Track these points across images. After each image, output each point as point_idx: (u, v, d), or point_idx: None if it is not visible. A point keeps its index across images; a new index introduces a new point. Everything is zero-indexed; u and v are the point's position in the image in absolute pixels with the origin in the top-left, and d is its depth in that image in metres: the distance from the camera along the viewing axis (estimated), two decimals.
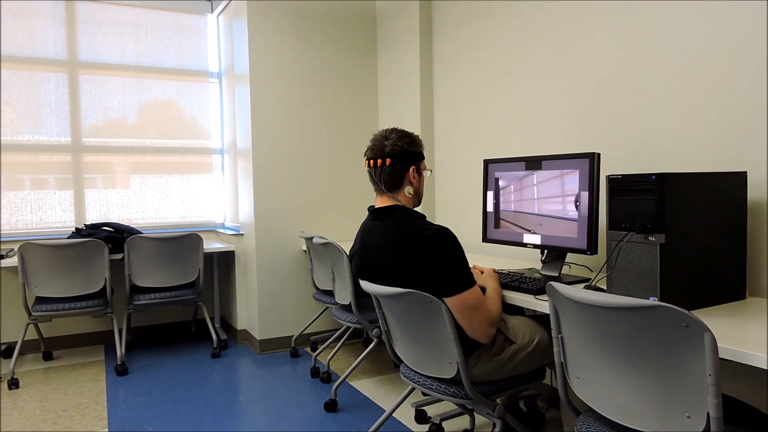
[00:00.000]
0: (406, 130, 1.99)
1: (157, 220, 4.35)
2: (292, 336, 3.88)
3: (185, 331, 4.42)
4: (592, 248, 2.02)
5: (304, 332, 3.95)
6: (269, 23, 3.78)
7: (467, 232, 3.37)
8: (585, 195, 2.04)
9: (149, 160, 4.32)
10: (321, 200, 4.00)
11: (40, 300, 3.40)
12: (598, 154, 2.02)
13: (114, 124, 4.20)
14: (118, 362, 3.45)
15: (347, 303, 2.87)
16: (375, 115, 4.18)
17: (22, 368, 3.59)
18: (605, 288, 1.75)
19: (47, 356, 3.80)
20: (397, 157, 1.92)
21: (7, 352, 3.81)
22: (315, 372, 3.38)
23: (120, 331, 3.69)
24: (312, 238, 3.26)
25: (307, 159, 3.94)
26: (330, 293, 3.27)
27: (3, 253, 3.47)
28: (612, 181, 1.69)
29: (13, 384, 3.23)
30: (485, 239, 2.53)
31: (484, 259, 2.98)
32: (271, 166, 3.82)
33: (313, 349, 3.88)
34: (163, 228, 4.35)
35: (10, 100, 3.89)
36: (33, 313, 3.34)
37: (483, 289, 1.91)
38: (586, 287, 1.77)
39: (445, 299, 1.74)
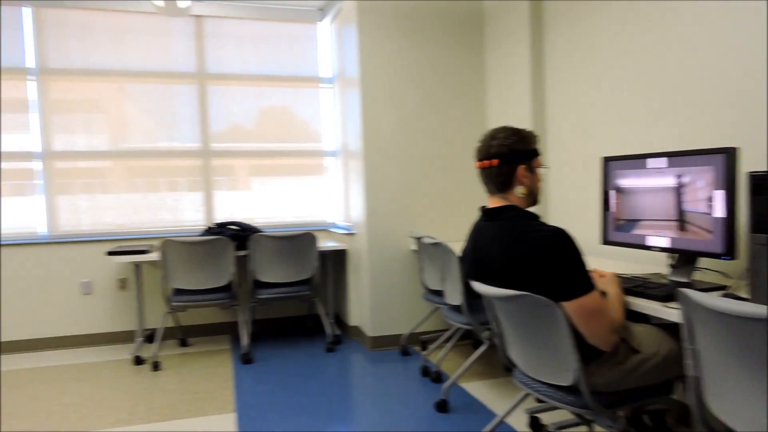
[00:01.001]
0: (516, 127, 1.92)
1: (276, 219, 4.63)
2: (402, 334, 3.95)
3: (302, 325, 4.66)
4: (730, 252, 1.85)
5: (414, 331, 4.00)
6: (378, 28, 3.86)
7: (583, 233, 3.23)
8: (720, 194, 1.87)
9: (267, 163, 4.60)
10: (430, 200, 4.02)
11: (177, 291, 3.76)
12: (737, 149, 1.84)
13: (236, 130, 4.52)
14: (244, 351, 3.71)
15: (457, 304, 2.87)
16: (484, 114, 4.13)
17: (162, 352, 3.99)
18: (746, 297, 1.60)
19: (183, 343, 4.19)
20: (505, 157, 1.86)
21: (150, 337, 4.25)
22: (425, 371, 3.41)
23: (245, 322, 3.97)
24: (422, 238, 3.29)
25: (416, 160, 3.98)
26: (440, 293, 3.28)
27: (147, 248, 3.88)
28: (756, 178, 1.54)
29: (155, 366, 3.60)
30: (605, 241, 2.41)
31: (602, 262, 2.83)
32: (381, 167, 3.91)
33: (423, 348, 3.91)
34: (281, 227, 4.62)
35: (148, 111, 4.33)
36: (171, 304, 3.70)
37: (603, 294, 1.82)
38: (724, 295, 1.63)
39: (563, 303, 1.69)
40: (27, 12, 4.05)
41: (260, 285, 3.94)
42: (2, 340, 4.07)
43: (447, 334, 3.66)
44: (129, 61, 4.27)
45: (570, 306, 1.68)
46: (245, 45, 4.50)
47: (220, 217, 4.50)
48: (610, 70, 2.95)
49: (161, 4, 3.79)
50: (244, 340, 3.79)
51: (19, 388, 3.34)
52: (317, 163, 4.72)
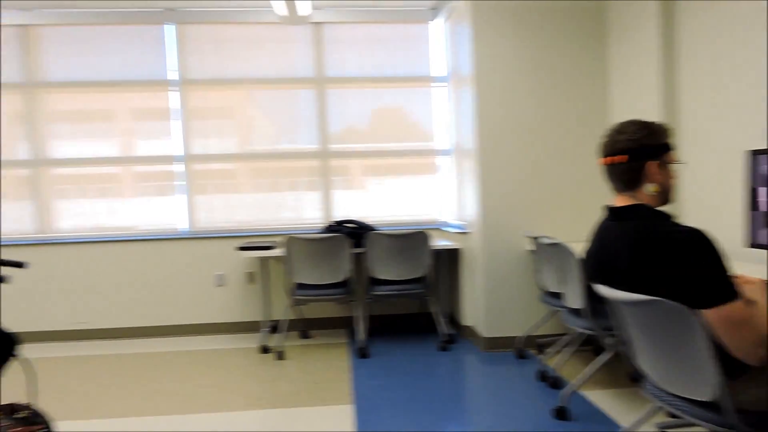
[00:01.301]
0: (646, 120, 1.78)
1: (390, 218, 4.72)
2: (518, 337, 3.85)
3: (415, 322, 4.71)
4: None
5: (530, 334, 3.88)
6: (492, 25, 3.79)
7: (723, 235, 2.93)
8: None
9: (381, 162, 4.70)
10: (548, 199, 3.88)
11: (299, 286, 3.97)
12: None
13: (351, 131, 4.68)
14: (360, 346, 3.84)
15: (578, 308, 2.74)
16: (606, 108, 3.89)
17: (286, 343, 4.24)
18: None
19: (304, 335, 4.43)
20: (633, 153, 1.73)
21: (274, 328, 4.53)
22: (542, 376, 3.30)
23: (361, 317, 4.11)
24: (539, 237, 3.18)
25: (533, 157, 3.86)
26: (558, 296, 3.16)
27: (272, 244, 4.14)
28: None
29: (280, 356, 3.83)
30: (752, 244, 2.17)
31: (749, 267, 2.55)
32: (496, 165, 3.84)
33: (540, 352, 3.79)
34: (395, 225, 4.70)
35: (271, 115, 4.61)
36: (294, 297, 3.92)
37: (751, 303, 1.64)
38: None
39: (702, 311, 1.55)
40: (170, 29, 4.49)
41: (375, 282, 4.04)
42: (148, 324, 4.55)
43: (566, 338, 3.51)
44: (255, 69, 4.58)
45: (710, 315, 1.54)
46: (360, 48, 4.64)
47: (338, 215, 4.68)
48: (756, 53, 2.65)
49: (284, 14, 4.03)
50: (361, 334, 3.91)
51: (163, 368, 3.72)
52: (429, 162, 4.74)
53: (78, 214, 4.54)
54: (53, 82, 4.45)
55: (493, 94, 3.82)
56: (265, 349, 4.02)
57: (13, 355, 1.96)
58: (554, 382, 3.16)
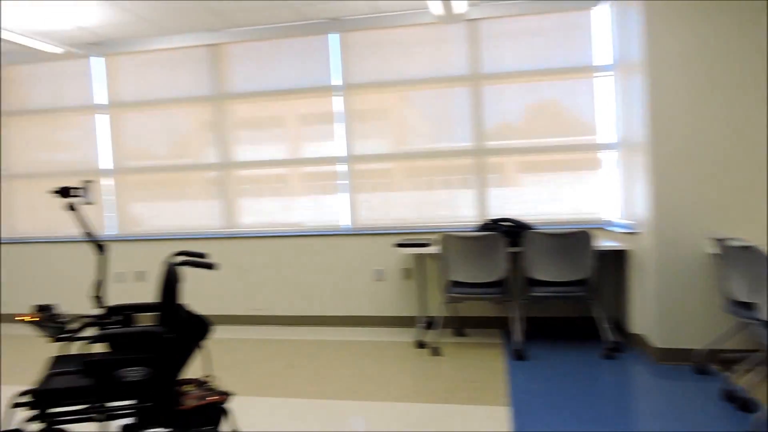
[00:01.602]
0: None
1: (548, 216, 4.53)
2: (698, 349, 3.46)
3: (576, 327, 4.47)
4: None
5: (714, 348, 3.46)
6: (667, 7, 3.43)
7: None
8: None
9: (538, 159, 4.52)
10: (735, 197, 3.41)
11: (454, 283, 3.99)
12: None
13: (506, 128, 4.56)
14: (516, 347, 3.74)
15: None
16: None
17: (441, 339, 4.29)
18: None
19: (460, 332, 4.44)
20: None
21: (430, 324, 4.61)
22: (729, 396, 2.92)
23: (517, 318, 4.01)
24: (726, 240, 2.82)
25: (716, 151, 3.43)
26: (749, 306, 2.77)
27: (428, 241, 4.21)
28: None
29: (435, 352, 3.89)
30: None
31: None
32: (672, 159, 3.48)
33: (726, 369, 3.36)
34: (554, 224, 4.49)
35: (427, 115, 4.68)
36: (449, 294, 3.95)
37: None
38: None
39: None
40: (334, 38, 4.79)
41: (533, 282, 3.91)
42: (314, 314, 4.91)
43: (759, 355, 3.07)
44: (411, 70, 4.69)
45: None
46: (516, 42, 4.51)
47: (493, 213, 4.61)
48: None
49: (440, 13, 4.06)
50: (517, 336, 3.82)
51: (326, 355, 3.99)
52: (591, 157, 4.45)
53: (256, 212, 5.06)
54: (237, 93, 5.00)
55: (667, 82, 3.47)
56: (420, 344, 4.11)
57: (205, 338, 2.25)
58: (744, 405, 2.78)
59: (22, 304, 5.46)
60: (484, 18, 4.52)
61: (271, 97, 4.95)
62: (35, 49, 4.49)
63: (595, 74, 4.41)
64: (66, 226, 5.38)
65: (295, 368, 3.72)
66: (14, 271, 5.47)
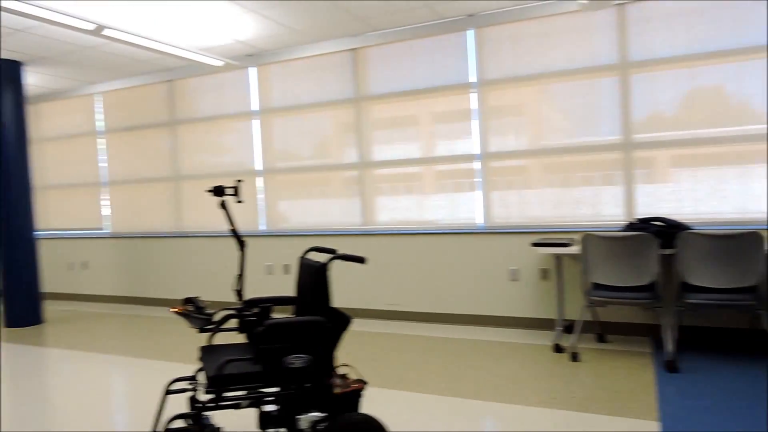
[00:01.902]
0: None
1: (710, 215, 4.07)
2: None
3: (740, 339, 3.97)
4: None
5: None
6: None
7: None
8: None
9: (695, 151, 4.08)
10: None
11: (596, 286, 3.76)
12: None
13: (658, 119, 4.18)
14: (668, 358, 3.43)
15: None
16: None
17: (580, 344, 4.07)
18: None
19: (601, 338, 4.17)
20: None
21: (568, 328, 4.40)
22: None
23: (669, 326, 3.66)
24: None
25: None
26: None
27: (568, 241, 4.02)
28: None
29: (574, 357, 3.70)
30: None
31: None
32: None
33: None
34: (717, 224, 4.03)
35: (567, 108, 4.45)
36: (590, 298, 3.73)
37: None
38: None
39: None
40: (471, 34, 4.75)
41: (689, 288, 3.55)
42: (447, 311, 4.92)
43: None
44: (551, 63, 4.50)
45: None
46: (674, 24, 4.11)
47: (641, 211, 4.26)
48: None
49: (585, 1, 3.84)
50: (669, 346, 3.49)
51: (459, 354, 3.97)
52: (763, 148, 3.91)
53: (391, 209, 5.19)
54: (374, 94, 5.18)
55: None
56: (558, 348, 3.94)
57: (346, 330, 2.38)
58: None
59: (183, 292, 6.17)
60: (633, 1, 4.19)
61: (407, 97, 5.05)
62: (200, 63, 5.04)
63: None
64: (226, 222, 5.98)
65: (428, 364, 3.76)
66: (180, 261, 6.20)
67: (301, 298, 2.55)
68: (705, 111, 4.07)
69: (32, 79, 6.16)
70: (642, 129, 4.25)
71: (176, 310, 2.42)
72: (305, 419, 2.24)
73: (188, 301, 2.43)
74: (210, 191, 2.75)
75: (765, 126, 3.90)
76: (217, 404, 2.19)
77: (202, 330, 2.29)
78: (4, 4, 3.56)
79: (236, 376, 2.18)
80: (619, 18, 4.26)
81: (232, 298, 5.90)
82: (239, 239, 2.77)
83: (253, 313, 2.38)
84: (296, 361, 2.19)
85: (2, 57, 5.29)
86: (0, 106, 5.39)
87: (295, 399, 2.26)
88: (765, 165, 3.92)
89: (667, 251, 3.59)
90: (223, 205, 2.76)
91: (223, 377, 2.16)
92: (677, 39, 4.11)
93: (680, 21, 4.09)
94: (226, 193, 2.80)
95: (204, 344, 2.67)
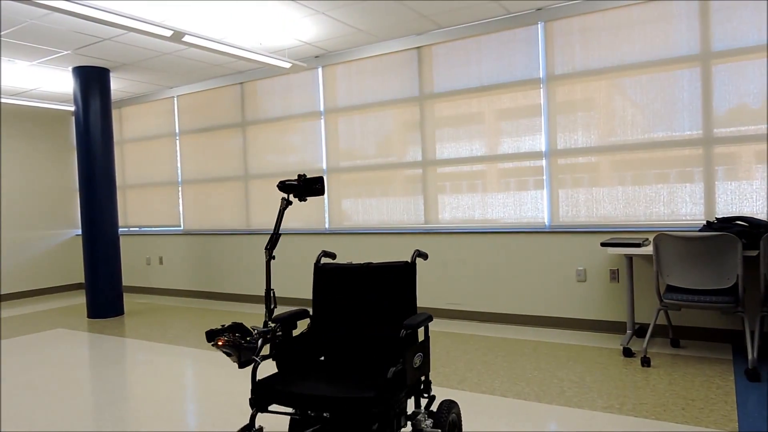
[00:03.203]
0: None
1: None
2: None
3: None
4: None
5: None
6: None
7: None
8: None
9: None
10: None
11: (670, 288, 3.57)
12: None
13: (743, 112, 3.91)
14: (749, 366, 3.20)
15: None
16: None
17: (652, 349, 3.88)
18: None
19: (674, 343, 3.96)
20: None
21: (640, 331, 4.20)
22: None
23: (752, 333, 3.42)
24: None
25: None
26: None
27: (640, 242, 3.84)
28: None
29: (645, 362, 3.53)
30: None
31: None
32: None
33: None
34: None
35: (641, 102, 4.24)
36: (664, 300, 3.54)
37: None
38: None
39: None
40: (539, 28, 4.63)
41: None
42: (511, 312, 4.82)
43: None
44: (625, 55, 4.31)
45: None
46: (762, 9, 3.83)
47: (723, 210, 4.00)
48: None
49: None
50: (751, 353, 3.26)
51: (525, 355, 3.88)
52: None
53: (454, 208, 5.15)
54: (439, 92, 5.16)
55: None
56: (628, 353, 3.77)
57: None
58: None
59: (256, 287, 6.38)
60: None
61: (473, 94, 4.99)
62: (269, 65, 5.20)
63: None
64: (291, 220, 6.15)
65: (493, 365, 3.71)
66: (249, 258, 6.42)
67: (359, 304, 2.45)
68: None
69: (116, 85, 6.58)
70: (724, 123, 3.99)
71: (221, 342, 2.09)
72: (421, 415, 2.23)
73: (234, 328, 2.13)
74: (279, 186, 2.55)
75: None
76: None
77: (242, 365, 2.10)
78: (92, 13, 3.82)
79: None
80: (701, 5, 4.02)
81: (297, 293, 6.05)
82: (271, 245, 2.51)
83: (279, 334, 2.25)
84: (418, 360, 2.13)
85: (90, 65, 5.69)
86: (89, 111, 5.80)
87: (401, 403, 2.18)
88: None
89: (751, 253, 3.35)
90: (289, 202, 2.58)
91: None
92: (764, 25, 3.83)
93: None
94: (314, 188, 2.52)
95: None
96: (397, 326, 2.34)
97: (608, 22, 4.36)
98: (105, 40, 4.92)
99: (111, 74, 6.08)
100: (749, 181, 3.92)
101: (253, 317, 5.58)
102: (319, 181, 2.50)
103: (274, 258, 2.70)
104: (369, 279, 2.43)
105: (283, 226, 6.21)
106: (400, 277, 2.34)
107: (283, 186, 2.55)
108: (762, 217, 3.87)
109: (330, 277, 2.52)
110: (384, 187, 5.54)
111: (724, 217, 3.66)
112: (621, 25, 4.31)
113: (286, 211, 6.18)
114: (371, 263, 2.44)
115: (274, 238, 2.50)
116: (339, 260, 5.73)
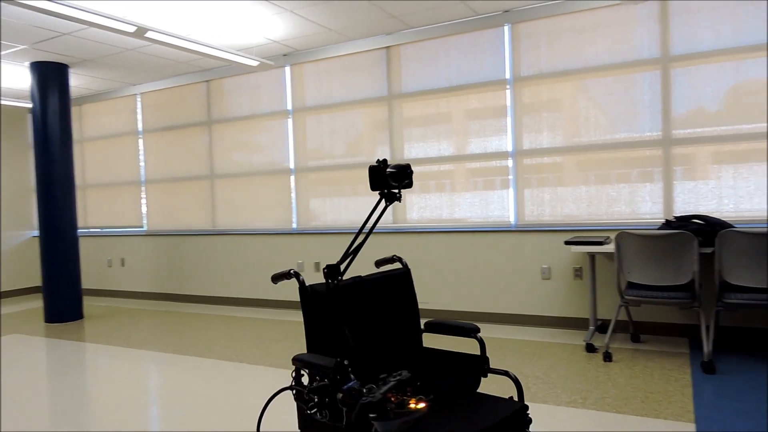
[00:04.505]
0: None
1: (753, 213, 3.92)
2: None
3: None
4: None
5: None
6: None
7: None
8: None
9: (738, 148, 3.94)
10: None
11: (631, 285, 3.67)
12: None
13: (699, 115, 4.05)
14: (705, 359, 3.32)
15: None
16: None
17: (613, 344, 3.98)
18: None
19: (635, 338, 4.07)
20: None
21: (602, 327, 4.30)
22: None
23: (707, 327, 3.55)
24: None
25: None
26: None
27: (602, 240, 3.93)
28: None
29: (607, 357, 3.62)
30: None
31: None
32: None
33: None
34: (760, 222, 3.88)
35: (604, 104, 4.35)
36: (624, 297, 3.64)
37: None
38: None
39: None
40: (506, 30, 4.70)
41: (728, 288, 3.42)
42: (479, 310, 4.87)
43: None
44: (588, 58, 4.41)
45: None
46: (719, 15, 3.97)
47: (681, 209, 4.14)
48: None
49: None
50: (706, 346, 3.38)
51: (492, 353, 3.93)
52: None
53: (422, 207, 5.18)
54: (408, 92, 5.18)
55: None
56: (590, 348, 3.86)
57: None
58: None
59: (222, 288, 6.29)
60: None
61: (441, 94, 5.03)
62: (236, 63, 5.13)
63: None
64: (257, 219, 6.08)
65: None
66: (215, 259, 6.33)
67: (368, 316, 2.04)
68: (749, 105, 3.92)
69: (76, 81, 6.40)
70: (682, 125, 4.13)
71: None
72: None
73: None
74: (392, 172, 1.78)
75: None
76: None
77: None
78: (49, 7, 3.71)
79: None
80: (661, 10, 4.15)
81: (264, 295, 5.99)
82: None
83: None
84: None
85: (49, 60, 5.51)
86: (47, 108, 5.61)
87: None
88: None
89: (707, 250, 3.48)
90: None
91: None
92: (722, 31, 3.98)
93: (726, 12, 3.95)
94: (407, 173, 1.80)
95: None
96: (411, 338, 2.16)
97: (573, 25, 4.45)
98: (64, 35, 4.78)
99: (70, 70, 5.91)
100: (705, 181, 4.07)
101: (221, 319, 5.49)
102: (408, 166, 1.81)
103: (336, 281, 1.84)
104: (372, 294, 2.07)
105: (247, 226, 6.14)
106: (401, 286, 2.15)
107: (381, 177, 1.80)
108: (717, 215, 4.01)
109: (323, 298, 1.90)
110: (353, 187, 5.53)
111: (682, 216, 3.78)
112: (585, 28, 4.41)
113: (249, 209, 6.12)
114: (363, 277, 2.06)
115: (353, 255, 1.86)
116: (306, 261, 5.70)
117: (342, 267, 1.81)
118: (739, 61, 3.93)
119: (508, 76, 4.72)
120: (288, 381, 3.47)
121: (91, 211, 7.47)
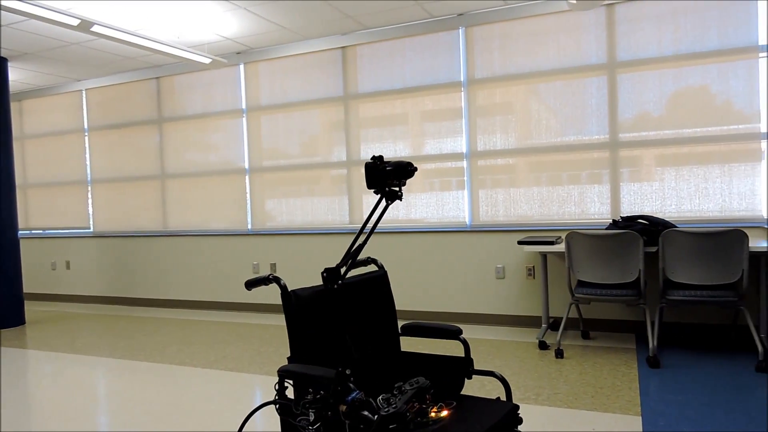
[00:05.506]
0: None
1: (693, 213, 4.12)
2: None
3: (722, 335, 4.02)
4: None
5: None
6: None
7: None
8: None
9: (680, 151, 4.13)
10: None
11: (581, 283, 3.79)
12: None
13: (644, 119, 4.22)
14: (650, 354, 3.46)
15: None
16: None
17: (565, 341, 4.10)
18: None
19: (585, 335, 4.20)
20: None
21: (554, 324, 4.42)
22: None
23: (652, 323, 3.70)
24: None
25: None
26: None
27: (553, 239, 4.04)
28: None
29: (559, 354, 3.72)
30: None
31: None
32: None
33: None
34: (700, 222, 4.08)
35: (555, 107, 4.48)
36: (575, 295, 3.75)
37: None
38: None
39: None
40: (460, 33, 4.76)
41: (672, 285, 3.58)
42: (434, 310, 4.93)
43: None
44: (540, 62, 4.52)
45: None
46: (661, 24, 4.15)
47: (628, 210, 4.30)
48: None
49: (574, 1, 3.86)
50: (651, 342, 3.52)
51: (447, 352, 3.98)
52: (747, 148, 3.97)
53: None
54: (364, 93, 5.18)
55: None
56: (543, 345, 3.96)
57: None
58: None
59: (174, 291, 6.12)
60: (622, 1, 4.23)
61: (397, 95, 5.06)
62: (188, 60, 5.00)
63: (762, 55, 3.92)
64: (211, 220, 5.94)
65: None
66: (166, 261, 6.15)
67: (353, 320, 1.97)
68: (690, 111, 4.11)
69: (16, 76, 6.09)
70: (628, 128, 4.29)
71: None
72: None
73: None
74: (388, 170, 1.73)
75: (752, 126, 3.95)
76: None
77: None
78: None
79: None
80: (608, 18, 4.29)
81: (218, 297, 5.87)
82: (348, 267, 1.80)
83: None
84: None
85: None
86: None
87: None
88: (752, 164, 3.96)
89: (651, 249, 3.62)
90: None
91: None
92: (664, 39, 4.15)
93: (668, 21, 4.13)
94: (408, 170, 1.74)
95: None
96: (391, 340, 2.14)
97: (525, 30, 4.56)
98: (2, 27, 4.54)
99: (9, 64, 5.62)
100: (650, 182, 4.24)
101: (173, 323, 5.34)
102: (409, 164, 1.75)
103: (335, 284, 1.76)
104: (353, 297, 2.00)
105: (201, 227, 6.00)
106: (379, 288, 2.09)
107: (379, 175, 1.73)
108: (661, 215, 4.19)
109: (309, 304, 1.79)
110: (309, 187, 5.48)
111: (628, 216, 3.93)
112: (537, 33, 4.52)
113: (203, 209, 5.98)
114: (343, 280, 1.82)
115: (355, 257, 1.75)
116: (261, 263, 5.61)
117: (342, 270, 1.70)
118: (678, 68, 4.12)
119: (462, 78, 4.79)
120: (244, 384, 3.41)
121: (34, 212, 7.13)
